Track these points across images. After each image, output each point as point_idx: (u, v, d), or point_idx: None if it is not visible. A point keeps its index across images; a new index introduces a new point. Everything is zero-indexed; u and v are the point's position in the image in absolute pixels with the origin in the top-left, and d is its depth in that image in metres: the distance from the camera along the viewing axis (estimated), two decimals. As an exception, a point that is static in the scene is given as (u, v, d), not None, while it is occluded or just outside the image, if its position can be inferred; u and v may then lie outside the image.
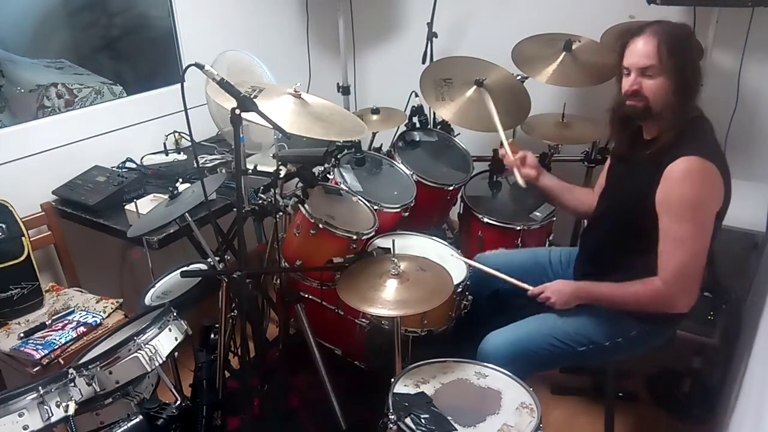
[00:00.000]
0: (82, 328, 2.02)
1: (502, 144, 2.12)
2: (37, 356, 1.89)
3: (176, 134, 2.71)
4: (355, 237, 1.99)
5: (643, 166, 1.63)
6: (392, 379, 1.61)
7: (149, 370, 1.51)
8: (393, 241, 1.84)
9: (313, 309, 2.15)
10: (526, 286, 1.86)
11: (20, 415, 1.31)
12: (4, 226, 2.11)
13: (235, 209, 1.88)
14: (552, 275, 2.00)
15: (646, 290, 1.61)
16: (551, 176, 2.06)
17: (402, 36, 3.33)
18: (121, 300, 2.19)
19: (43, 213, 2.28)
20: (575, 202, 2.03)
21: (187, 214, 1.86)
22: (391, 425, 1.46)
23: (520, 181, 2.02)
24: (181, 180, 2.30)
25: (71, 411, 1.36)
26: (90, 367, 1.44)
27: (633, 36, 1.61)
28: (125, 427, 1.43)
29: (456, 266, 2.03)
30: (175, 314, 1.68)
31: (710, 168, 1.51)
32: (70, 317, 2.08)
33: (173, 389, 1.73)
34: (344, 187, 2.24)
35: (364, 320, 2.05)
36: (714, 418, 2.12)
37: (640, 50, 1.58)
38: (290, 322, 2.34)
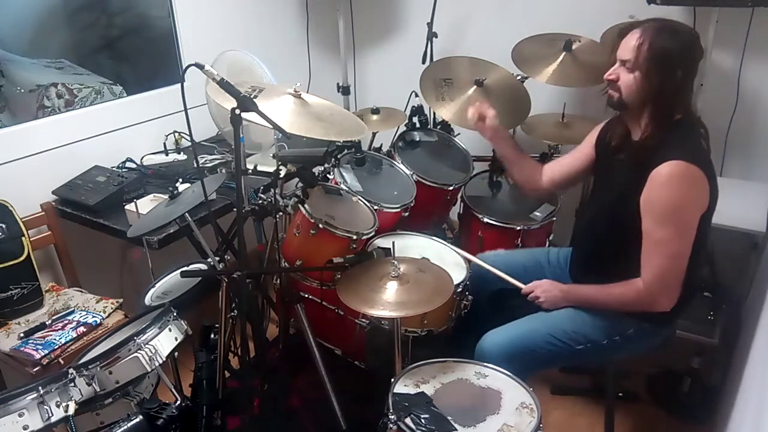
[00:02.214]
0: (82, 328, 2.02)
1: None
2: (37, 356, 1.89)
3: (176, 134, 2.71)
4: (355, 237, 1.99)
5: (629, 167, 1.65)
6: (392, 379, 1.61)
7: (149, 370, 1.51)
8: (393, 242, 1.84)
9: (313, 309, 2.15)
10: (519, 284, 1.89)
11: (20, 415, 1.31)
12: (4, 226, 2.11)
13: (235, 209, 1.88)
14: (550, 275, 2.00)
15: (629, 292, 1.64)
16: (508, 142, 2.08)
17: (402, 36, 3.34)
18: (121, 300, 2.19)
19: (43, 213, 2.28)
20: (522, 177, 2.06)
21: (187, 214, 1.86)
22: (391, 425, 1.46)
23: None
24: (181, 180, 2.30)
25: (71, 411, 1.36)
26: (90, 367, 1.44)
27: (631, 28, 1.64)
28: (125, 427, 1.43)
29: (456, 266, 2.03)
30: (175, 314, 1.68)
31: (695, 172, 1.51)
32: (70, 317, 2.08)
33: (173, 389, 1.73)
34: (344, 187, 2.24)
35: (364, 320, 2.05)
36: (714, 418, 2.12)
37: (627, 43, 1.62)
38: (290, 322, 2.35)
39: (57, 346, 1.93)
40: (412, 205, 2.29)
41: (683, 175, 1.51)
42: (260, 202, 1.94)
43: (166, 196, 2.00)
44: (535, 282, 1.84)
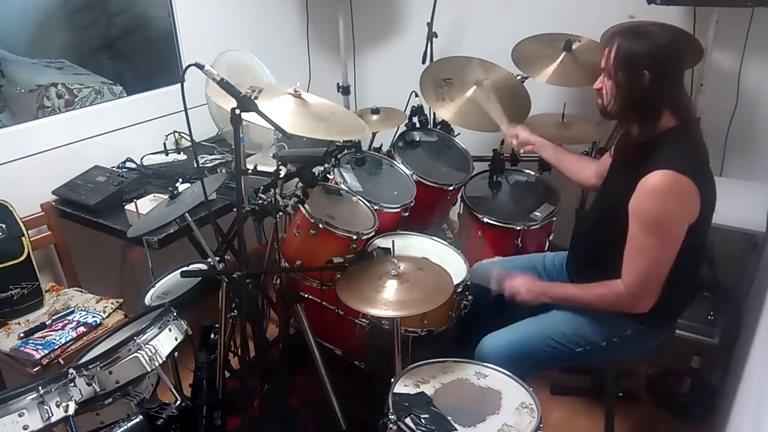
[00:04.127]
0: (82, 328, 2.02)
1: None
2: (37, 356, 1.89)
3: (176, 134, 2.71)
4: (355, 237, 1.99)
5: (624, 169, 1.66)
6: (392, 379, 1.61)
7: (149, 370, 1.51)
8: (393, 241, 1.84)
9: (313, 309, 2.15)
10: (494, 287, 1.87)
11: (20, 415, 1.31)
12: (4, 226, 2.11)
13: (235, 209, 1.88)
14: (547, 279, 2.01)
15: (609, 293, 1.65)
16: (549, 149, 2.14)
17: (402, 36, 3.33)
18: (121, 300, 2.19)
19: (43, 213, 2.28)
20: (571, 176, 2.11)
21: (187, 214, 1.86)
22: (391, 425, 1.46)
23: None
24: (181, 180, 2.30)
25: (71, 411, 1.36)
26: (90, 367, 1.44)
27: (612, 38, 1.66)
28: (125, 427, 1.43)
29: (456, 266, 2.03)
30: (175, 314, 1.68)
31: (683, 182, 1.51)
32: (70, 317, 2.08)
33: (173, 389, 1.73)
34: (344, 187, 2.24)
35: (364, 320, 2.05)
36: (714, 418, 2.12)
37: (606, 52, 1.65)
38: (290, 322, 2.34)
39: (57, 346, 1.93)
40: (412, 205, 2.29)
41: (671, 186, 1.51)
42: (260, 202, 1.94)
43: (166, 196, 2.00)
44: (509, 283, 1.82)
